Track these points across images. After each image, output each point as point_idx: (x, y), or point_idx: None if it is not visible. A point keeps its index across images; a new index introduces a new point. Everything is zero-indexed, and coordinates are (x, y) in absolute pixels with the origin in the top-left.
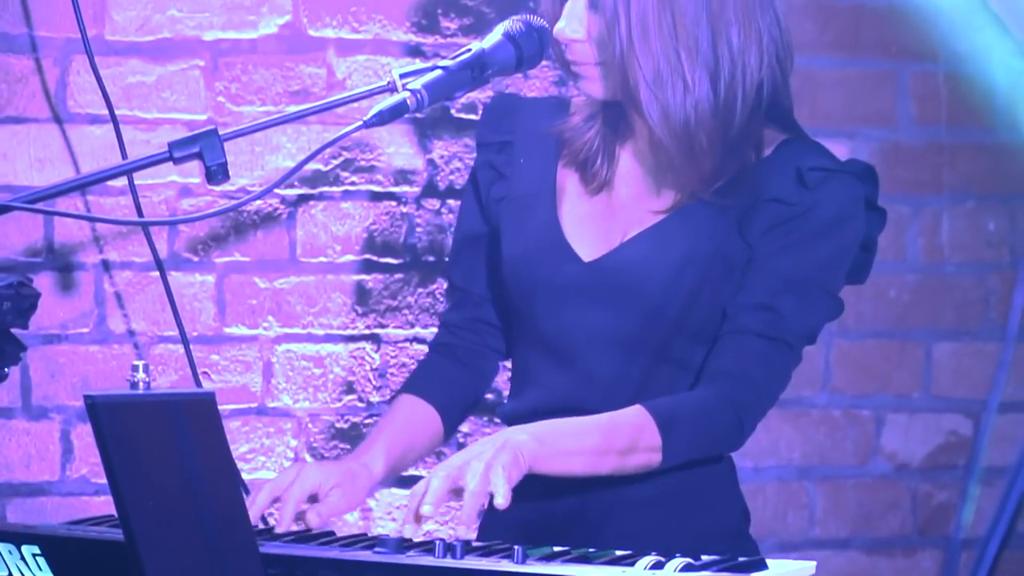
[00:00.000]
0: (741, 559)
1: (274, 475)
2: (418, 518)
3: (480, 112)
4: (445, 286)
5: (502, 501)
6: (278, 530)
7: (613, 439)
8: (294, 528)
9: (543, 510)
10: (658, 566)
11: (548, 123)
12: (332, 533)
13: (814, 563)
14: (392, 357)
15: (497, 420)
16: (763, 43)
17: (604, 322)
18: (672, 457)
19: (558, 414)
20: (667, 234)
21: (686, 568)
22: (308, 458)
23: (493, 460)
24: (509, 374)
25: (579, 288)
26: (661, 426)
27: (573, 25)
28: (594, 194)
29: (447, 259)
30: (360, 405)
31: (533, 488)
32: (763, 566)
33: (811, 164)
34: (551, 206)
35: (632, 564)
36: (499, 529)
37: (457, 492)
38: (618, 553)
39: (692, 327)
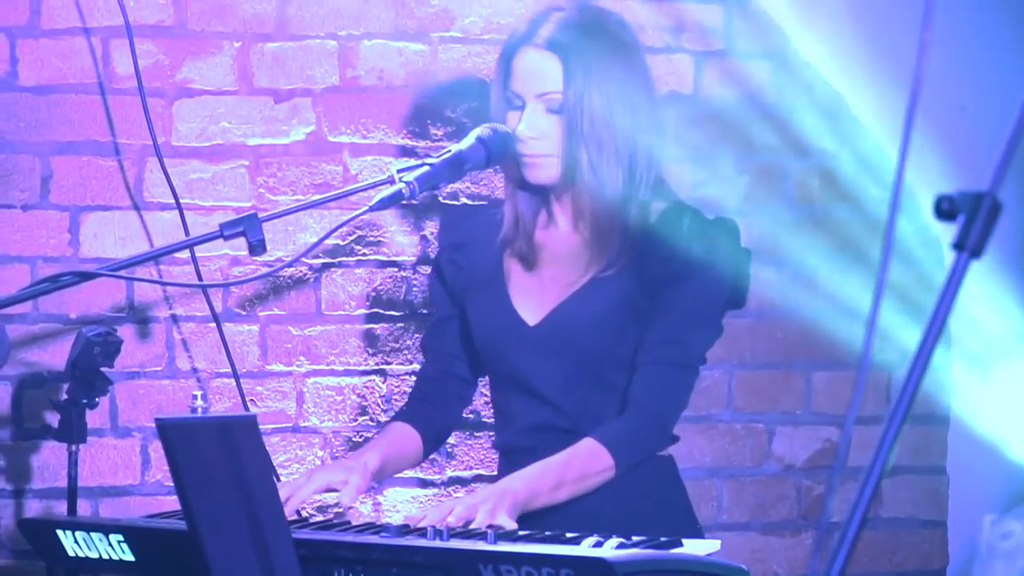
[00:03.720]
0: (663, 539)
1: None
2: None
3: (440, 220)
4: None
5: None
6: (288, 512)
7: (572, 470)
8: (319, 518)
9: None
10: (598, 544)
11: (489, 225)
12: (348, 522)
13: (719, 541)
14: (396, 387)
15: (477, 434)
16: (652, 145)
17: (554, 366)
18: (623, 468)
19: (540, 432)
20: (587, 296)
21: (620, 545)
22: None
23: (497, 506)
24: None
25: (531, 344)
26: (611, 449)
27: (534, 126)
28: (529, 271)
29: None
30: (371, 424)
31: None
32: (680, 544)
33: (682, 223)
34: (503, 288)
35: (578, 543)
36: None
37: (466, 524)
38: (568, 535)
39: (616, 362)
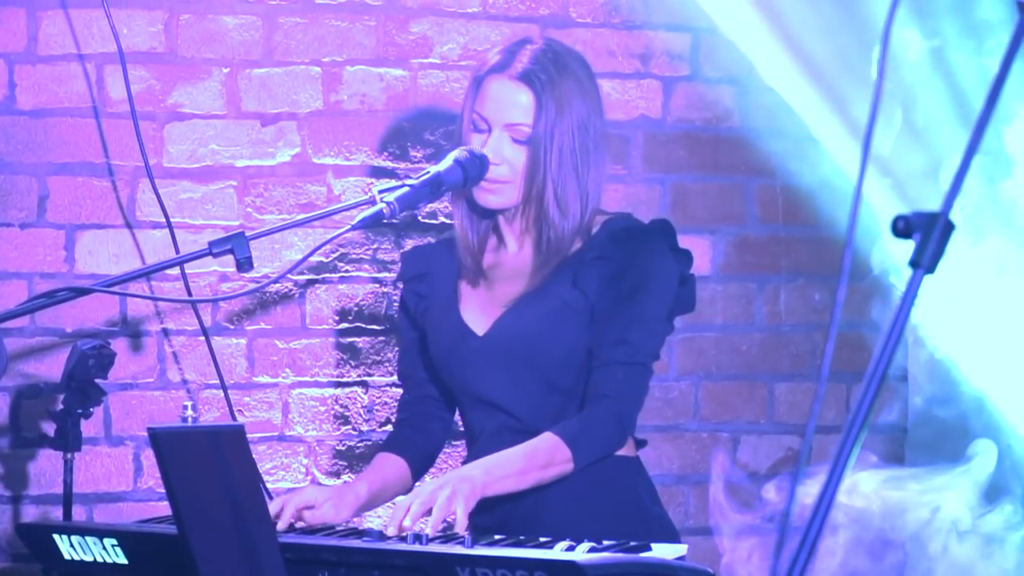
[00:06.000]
0: (632, 543)
1: (290, 485)
2: (400, 527)
3: (400, 256)
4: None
5: (460, 529)
6: (278, 526)
7: (532, 461)
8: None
9: (497, 512)
10: (571, 548)
11: (447, 257)
12: (333, 527)
13: (686, 545)
14: (377, 398)
15: (455, 443)
16: (602, 174)
17: (504, 374)
18: (581, 462)
19: (499, 437)
20: (528, 304)
21: (592, 549)
22: (316, 472)
23: (456, 491)
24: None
25: (481, 353)
26: (569, 443)
27: (498, 152)
28: (475, 288)
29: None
30: (353, 433)
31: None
32: (648, 548)
33: (618, 226)
34: (455, 306)
35: (551, 547)
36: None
37: (428, 511)
38: (541, 539)
39: (564, 365)
